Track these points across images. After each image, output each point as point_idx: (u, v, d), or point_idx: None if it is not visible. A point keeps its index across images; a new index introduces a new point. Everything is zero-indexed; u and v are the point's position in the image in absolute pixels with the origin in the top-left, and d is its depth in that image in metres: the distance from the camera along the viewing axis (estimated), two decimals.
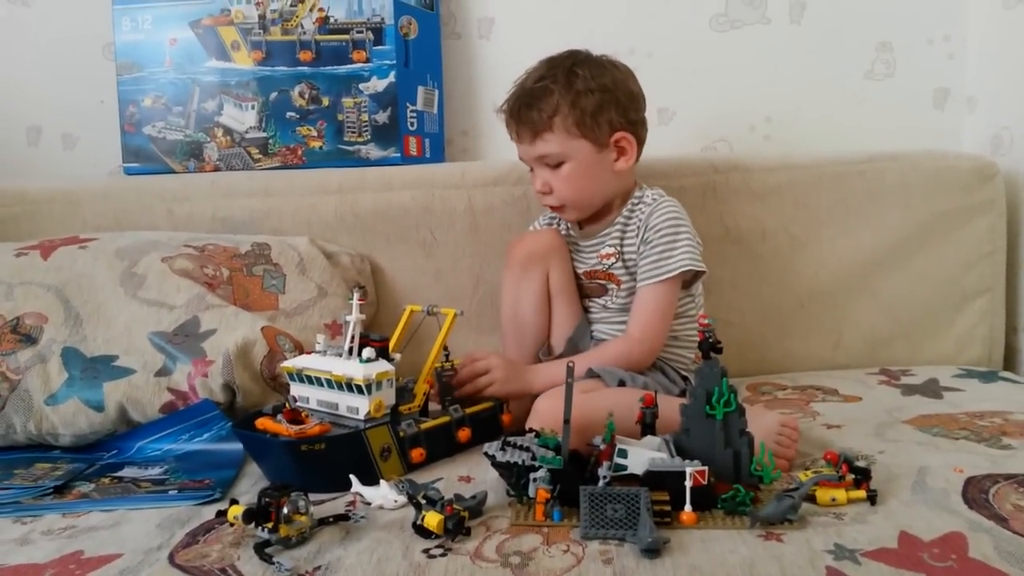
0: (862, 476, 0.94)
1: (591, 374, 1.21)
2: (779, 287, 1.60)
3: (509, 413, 1.24)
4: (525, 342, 1.34)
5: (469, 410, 1.18)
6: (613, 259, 1.32)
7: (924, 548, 0.82)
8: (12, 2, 1.79)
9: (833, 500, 0.92)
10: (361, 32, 1.65)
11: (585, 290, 1.36)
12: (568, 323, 1.33)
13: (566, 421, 0.94)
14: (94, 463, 1.17)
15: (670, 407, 1.01)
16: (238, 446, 1.13)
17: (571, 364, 0.95)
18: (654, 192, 1.35)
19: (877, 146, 1.65)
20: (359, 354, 1.07)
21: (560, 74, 1.29)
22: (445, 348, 1.21)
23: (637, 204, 1.34)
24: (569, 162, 1.29)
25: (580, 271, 1.36)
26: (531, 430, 1.01)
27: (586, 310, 1.36)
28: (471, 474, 1.06)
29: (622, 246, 1.32)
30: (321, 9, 1.65)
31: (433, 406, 1.19)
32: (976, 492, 0.94)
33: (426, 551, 0.84)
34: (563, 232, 1.39)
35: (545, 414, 1.11)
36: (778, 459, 1.03)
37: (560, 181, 1.30)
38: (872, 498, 0.92)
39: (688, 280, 1.31)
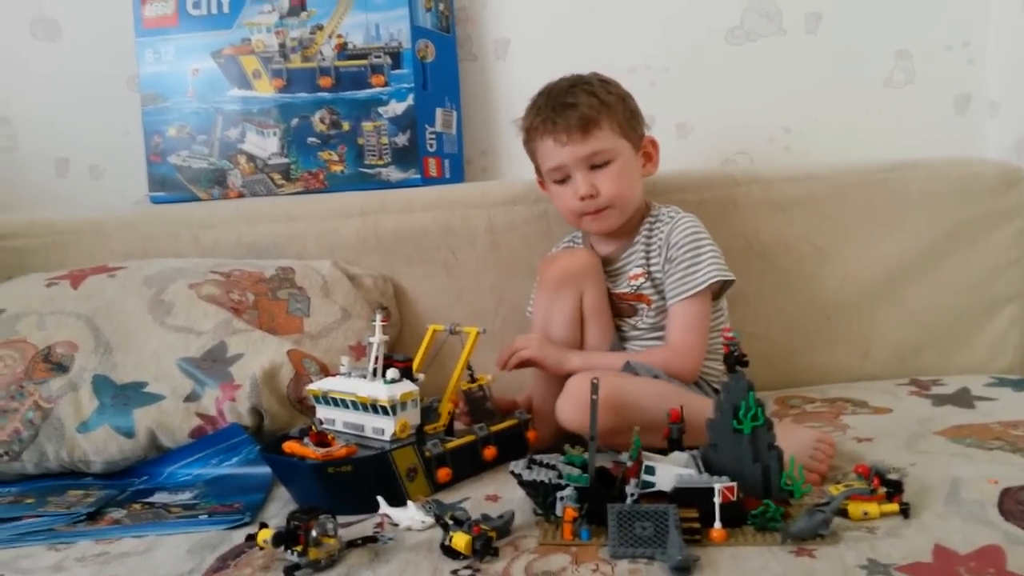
0: (894, 489, 0.93)
1: (628, 368, 1.21)
2: (804, 299, 1.59)
3: (534, 430, 1.23)
4: None
5: (494, 428, 1.18)
6: (642, 279, 1.31)
7: (960, 562, 0.80)
8: (40, 39, 1.83)
9: (865, 514, 0.91)
10: (379, 57, 1.67)
11: (615, 310, 1.35)
12: (601, 343, 1.31)
13: (592, 438, 0.93)
14: (125, 489, 1.18)
15: (702, 406, 1.01)
16: (266, 470, 1.14)
17: (595, 381, 0.95)
18: (669, 209, 1.35)
19: (899, 154, 1.63)
20: (383, 375, 1.08)
21: (593, 80, 1.31)
22: (469, 367, 1.22)
23: (655, 223, 1.34)
24: (616, 160, 1.29)
25: (610, 292, 1.35)
26: (563, 448, 1.00)
27: (617, 328, 1.35)
28: (498, 492, 1.06)
29: (648, 266, 1.32)
30: (340, 36, 1.67)
31: (460, 426, 1.20)
32: (1012, 503, 0.92)
33: (454, 572, 0.84)
34: None
35: (576, 394, 1.11)
36: (810, 473, 1.02)
37: (608, 181, 1.28)
38: (905, 511, 0.91)
39: (716, 292, 1.31)
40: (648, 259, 1.32)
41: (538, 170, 1.39)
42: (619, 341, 1.34)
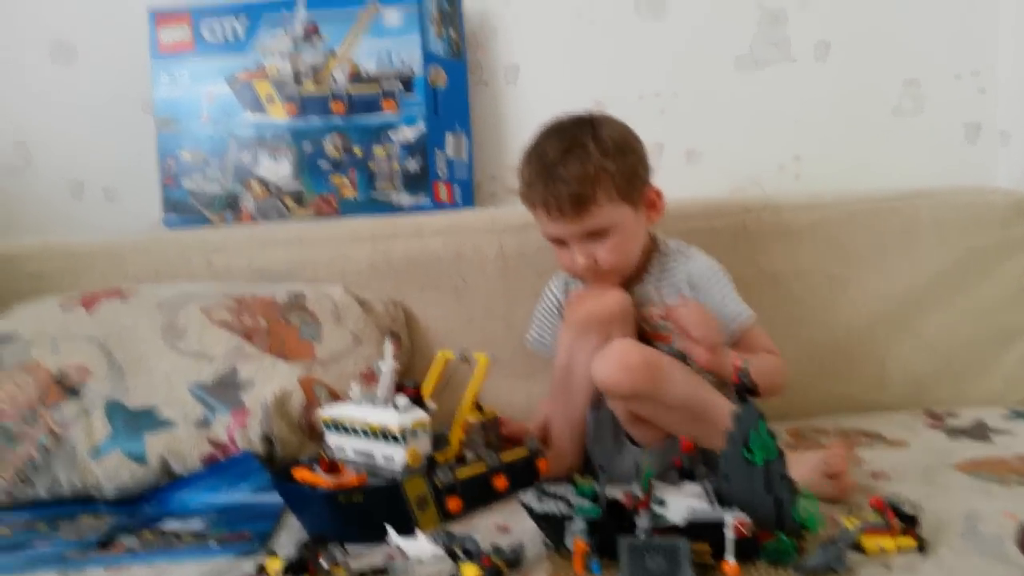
0: (909, 523, 0.92)
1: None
2: (817, 327, 1.58)
3: (545, 460, 1.22)
4: (573, 395, 1.26)
5: (505, 458, 1.17)
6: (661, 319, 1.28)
7: None
8: (55, 61, 1.85)
9: (881, 549, 0.90)
10: (391, 82, 1.68)
11: None
12: None
13: (601, 467, 0.93)
14: (136, 516, 1.18)
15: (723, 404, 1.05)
16: (276, 498, 1.13)
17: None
18: (675, 243, 1.34)
19: (909, 183, 1.64)
20: (394, 402, 1.07)
21: (588, 141, 1.22)
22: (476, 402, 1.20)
23: (666, 260, 1.32)
24: (615, 229, 1.23)
25: None
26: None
27: None
28: (508, 523, 1.05)
29: (664, 303, 1.28)
30: (352, 62, 1.69)
31: (470, 455, 1.18)
32: None
33: None
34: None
35: (617, 356, 1.12)
36: (829, 483, 1.05)
37: (606, 252, 1.23)
38: (922, 546, 0.90)
39: None
40: (662, 296, 1.29)
41: None
42: None
